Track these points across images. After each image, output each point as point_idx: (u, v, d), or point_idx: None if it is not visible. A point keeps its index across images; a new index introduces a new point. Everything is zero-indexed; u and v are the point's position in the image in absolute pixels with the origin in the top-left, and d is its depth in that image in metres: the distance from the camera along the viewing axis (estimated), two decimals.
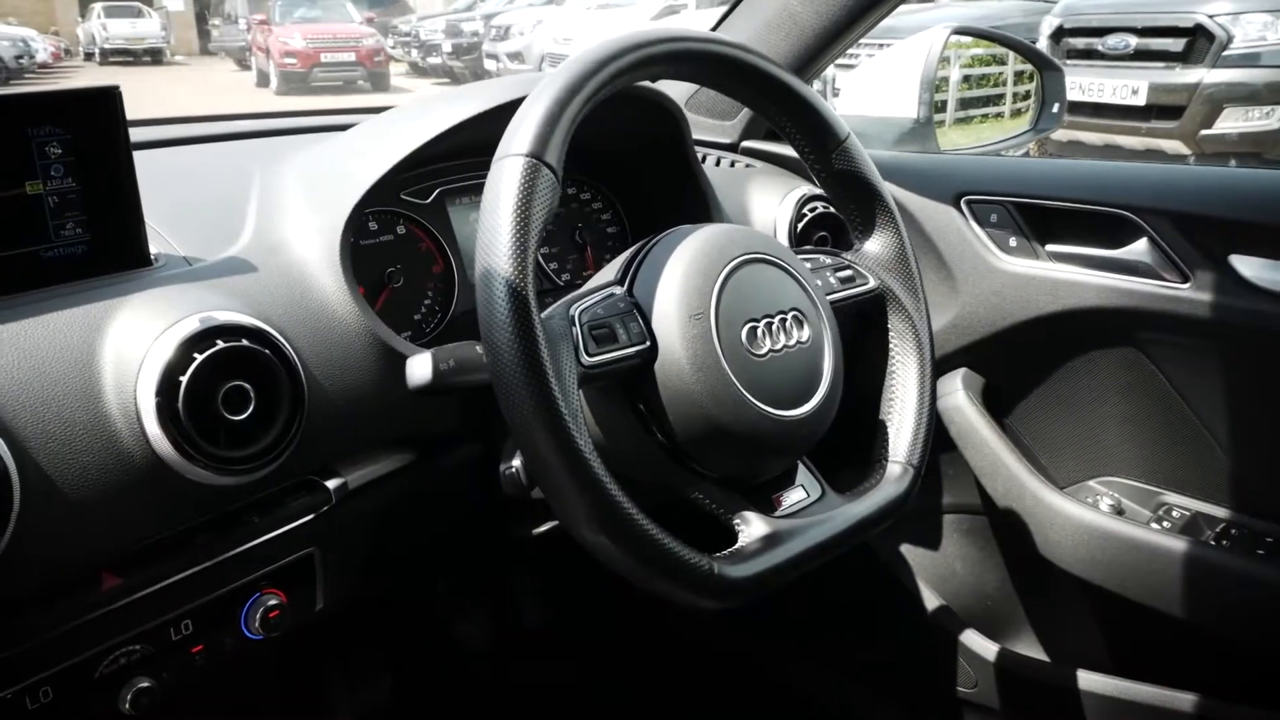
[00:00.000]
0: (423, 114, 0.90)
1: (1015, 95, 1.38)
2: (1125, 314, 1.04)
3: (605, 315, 0.74)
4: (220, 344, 0.69)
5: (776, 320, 0.79)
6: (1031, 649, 1.21)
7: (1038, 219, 1.10)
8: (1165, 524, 1.07)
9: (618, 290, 0.77)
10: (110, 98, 0.72)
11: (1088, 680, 1.12)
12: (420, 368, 0.74)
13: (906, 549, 1.30)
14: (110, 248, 0.74)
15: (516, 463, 0.82)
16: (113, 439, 0.66)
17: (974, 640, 1.21)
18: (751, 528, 0.76)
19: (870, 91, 1.31)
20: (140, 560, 0.70)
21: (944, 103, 1.31)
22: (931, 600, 1.25)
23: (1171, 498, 1.10)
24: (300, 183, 0.87)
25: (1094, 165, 1.10)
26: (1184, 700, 1.05)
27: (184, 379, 0.67)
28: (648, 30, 0.77)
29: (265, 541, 0.76)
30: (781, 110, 0.86)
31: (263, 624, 0.77)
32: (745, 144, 1.27)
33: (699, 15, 9.64)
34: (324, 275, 0.81)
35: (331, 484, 0.80)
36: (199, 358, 0.68)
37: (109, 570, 0.69)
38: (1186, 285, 1.00)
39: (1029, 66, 1.35)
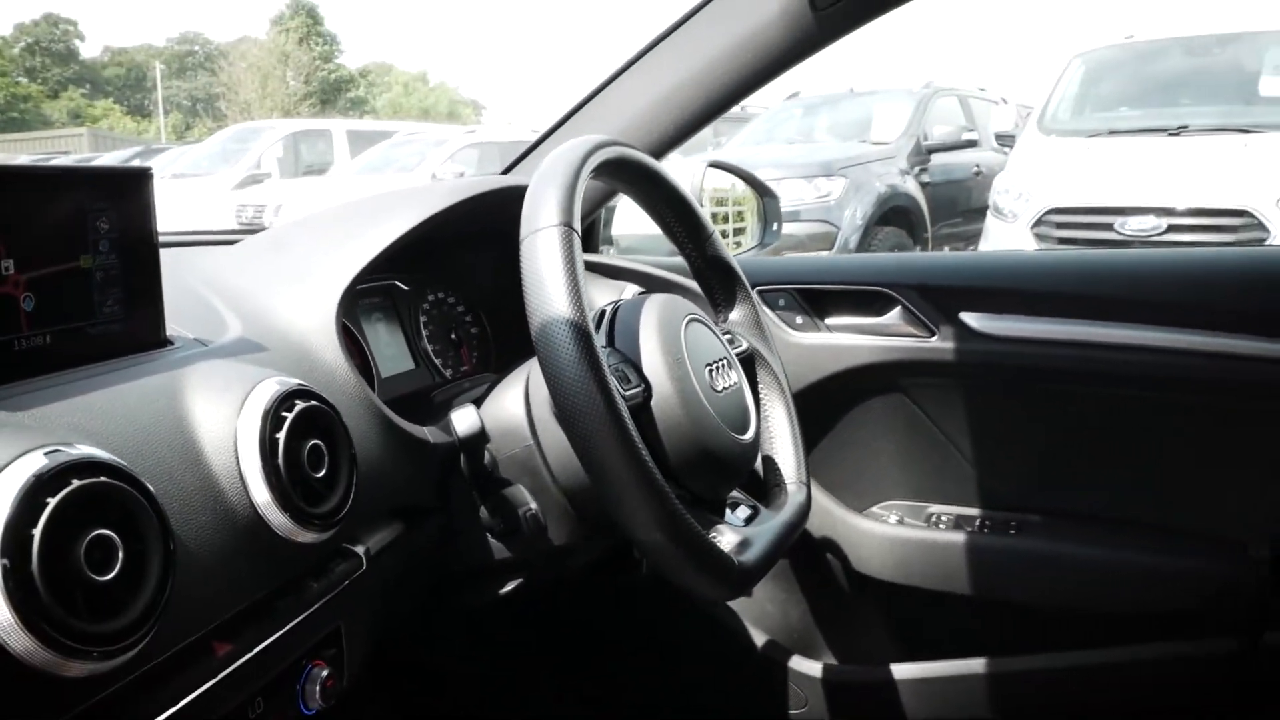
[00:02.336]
0: (384, 211, 0.98)
1: (747, 215, 1.70)
2: (890, 366, 1.35)
3: (615, 363, 0.87)
4: (300, 404, 0.72)
5: (719, 365, 0.96)
6: (854, 658, 1.43)
7: (816, 300, 1.39)
8: (940, 528, 1.37)
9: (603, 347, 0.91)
10: (148, 178, 0.73)
11: (903, 671, 1.36)
12: (470, 417, 0.82)
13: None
14: (139, 326, 0.73)
15: (534, 505, 0.90)
16: (221, 498, 0.66)
17: (800, 663, 1.41)
18: (725, 537, 0.91)
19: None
20: (235, 627, 0.68)
21: None
22: (759, 636, 1.44)
23: (935, 507, 1.40)
24: (280, 272, 0.90)
25: (856, 256, 1.43)
26: (977, 664, 1.33)
27: (281, 436, 0.69)
28: (599, 137, 0.94)
29: (321, 607, 0.76)
30: (670, 210, 1.07)
31: (322, 695, 0.76)
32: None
33: (285, 183, 9.67)
34: (325, 353, 0.84)
35: (359, 549, 0.82)
36: (289, 416, 0.70)
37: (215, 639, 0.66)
38: (933, 338, 1.32)
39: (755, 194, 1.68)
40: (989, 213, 5.64)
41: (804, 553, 1.42)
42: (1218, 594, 1.21)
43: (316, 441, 0.72)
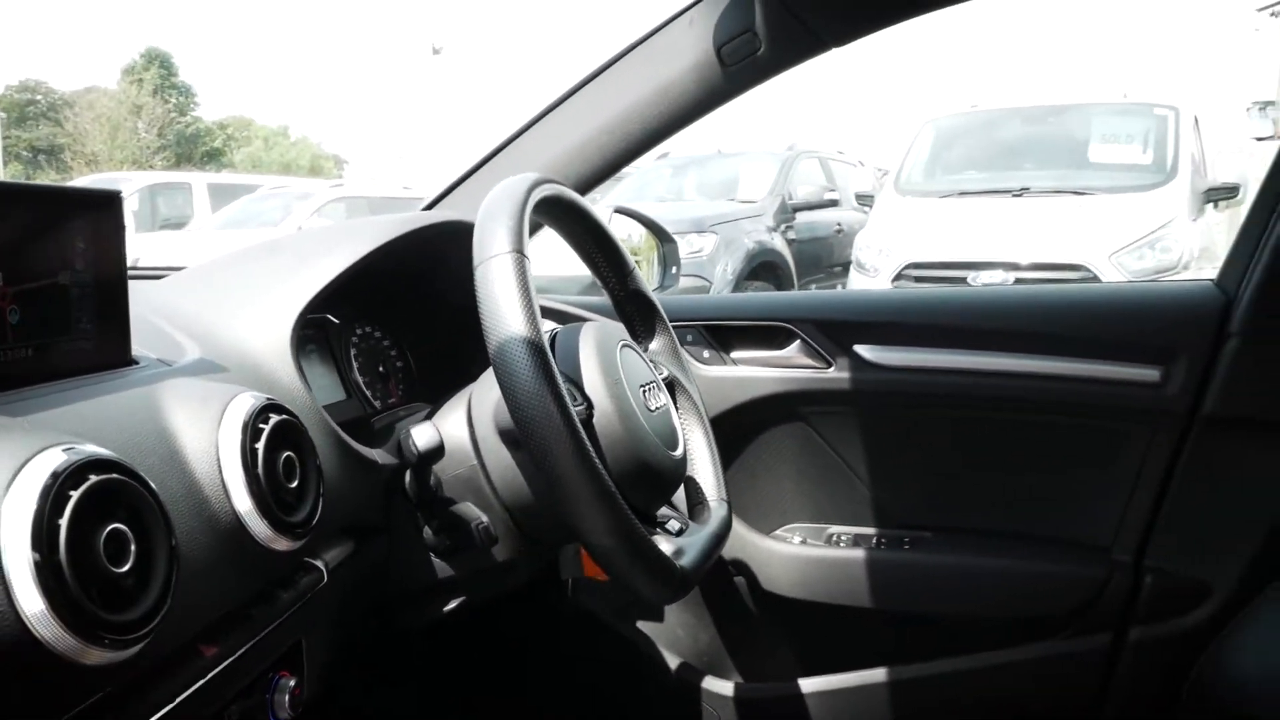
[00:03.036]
0: (333, 243, 1.01)
1: (644, 261, 1.79)
2: (791, 396, 1.44)
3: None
4: (274, 417, 0.75)
5: (650, 387, 1.03)
6: (763, 675, 1.50)
7: (721, 335, 1.47)
8: (840, 546, 1.46)
9: None
10: (119, 200, 0.76)
11: (810, 685, 1.44)
12: (430, 433, 0.86)
13: (643, 624, 1.53)
14: (108, 345, 0.75)
15: (485, 518, 0.94)
16: (205, 505, 0.68)
17: (712, 683, 1.48)
18: (663, 545, 0.97)
19: (555, 254, 1.61)
20: (219, 632, 0.70)
21: None
22: (672, 659, 1.50)
23: (835, 528, 1.49)
24: (232, 298, 0.93)
25: (757, 294, 1.53)
26: (879, 674, 1.42)
27: (260, 447, 0.72)
28: (536, 174, 1.00)
29: (290, 618, 0.78)
30: (596, 247, 1.14)
31: (290, 704, 0.77)
32: None
33: (141, 238, 9.29)
34: (281, 375, 0.87)
35: (319, 563, 0.84)
36: (265, 429, 0.73)
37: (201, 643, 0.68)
38: (830, 369, 1.43)
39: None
40: (852, 267, 5.96)
41: (714, 575, 1.49)
42: (1088, 595, 1.34)
43: (289, 453, 0.76)
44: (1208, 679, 1.05)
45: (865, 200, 7.14)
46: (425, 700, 1.44)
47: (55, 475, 0.53)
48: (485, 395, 1.01)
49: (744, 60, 1.23)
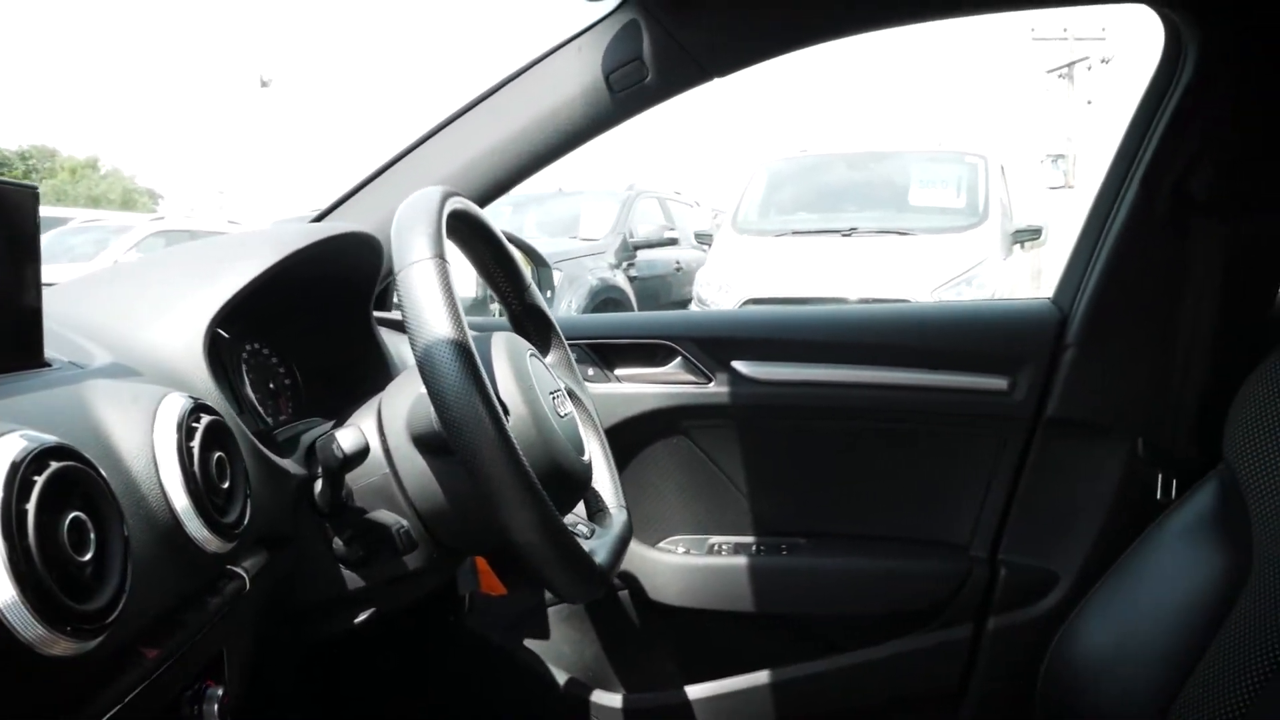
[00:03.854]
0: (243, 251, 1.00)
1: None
2: (673, 410, 1.50)
3: None
4: (205, 418, 0.74)
5: (557, 394, 1.06)
6: (651, 685, 1.53)
7: (605, 353, 1.52)
8: (722, 555, 1.51)
9: None
10: (33, 196, 0.73)
11: (696, 691, 1.48)
12: (356, 435, 0.86)
13: (531, 643, 1.53)
14: (22, 345, 0.72)
15: (405, 522, 0.94)
16: (143, 503, 0.67)
17: (601, 696, 1.50)
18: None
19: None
20: (158, 633, 0.68)
21: None
22: (560, 676, 1.51)
23: (716, 538, 1.55)
24: (140, 305, 0.90)
25: (640, 314, 1.57)
26: (762, 676, 1.47)
27: (195, 446, 0.71)
28: (444, 187, 1.02)
29: (218, 624, 0.76)
30: (497, 264, 1.17)
31: (220, 712, 0.75)
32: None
33: None
34: (196, 380, 0.85)
35: (240, 570, 0.82)
36: (198, 428, 0.72)
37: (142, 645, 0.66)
38: (710, 384, 1.49)
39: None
40: (693, 303, 6.14)
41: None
42: (950, 590, 1.44)
43: (220, 454, 0.74)
44: (1060, 660, 1.15)
45: (704, 239, 7.37)
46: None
47: (19, 460, 0.51)
48: (396, 402, 1.01)
49: (632, 87, 1.28)
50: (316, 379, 1.29)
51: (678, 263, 7.98)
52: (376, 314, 1.48)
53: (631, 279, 7.27)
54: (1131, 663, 1.05)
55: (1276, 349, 1.03)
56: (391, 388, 1.04)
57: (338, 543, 0.97)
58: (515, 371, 0.99)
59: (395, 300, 1.67)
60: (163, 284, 0.97)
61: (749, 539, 1.54)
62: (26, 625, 0.49)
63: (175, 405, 0.71)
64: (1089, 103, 15.40)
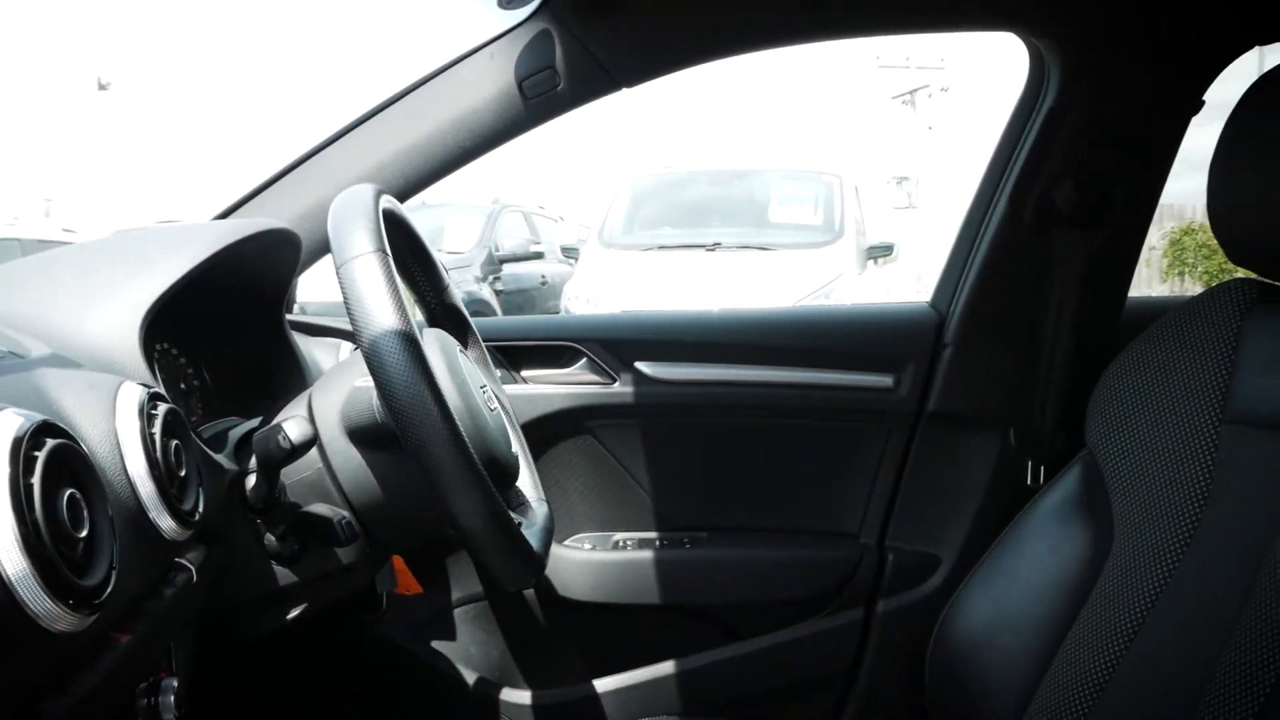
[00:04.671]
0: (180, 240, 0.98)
1: None
2: (579, 410, 1.54)
3: None
4: (162, 405, 0.74)
5: (486, 389, 1.09)
6: (559, 681, 1.56)
7: (512, 355, 1.54)
8: (627, 550, 1.56)
9: None
10: None
11: (604, 684, 1.52)
12: (302, 426, 0.87)
13: (437, 644, 1.54)
14: None
15: (347, 513, 0.95)
16: (112, 487, 0.66)
17: (510, 694, 1.52)
18: None
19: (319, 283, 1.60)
20: (125, 620, 0.67)
21: None
22: (469, 675, 1.52)
23: (620, 535, 1.59)
24: (73, 296, 0.87)
25: (545, 316, 1.61)
26: (667, 667, 1.53)
27: (156, 433, 0.71)
28: (375, 185, 1.03)
29: (169, 615, 0.75)
30: (417, 262, 1.19)
31: (176, 704, 0.75)
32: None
33: None
34: (134, 373, 0.84)
35: (185, 562, 0.81)
36: (158, 416, 0.72)
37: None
38: (615, 384, 1.54)
39: None
40: None
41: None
42: (842, 576, 1.53)
43: (177, 442, 0.74)
44: (945, 636, 1.24)
45: (570, 253, 7.42)
46: None
47: (20, 436, 0.51)
48: (328, 396, 1.01)
49: (544, 94, 1.32)
50: (227, 379, 1.27)
51: (543, 277, 8.01)
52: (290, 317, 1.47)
53: (498, 292, 7.26)
54: (1010, 633, 1.15)
55: (1129, 345, 1.15)
56: (322, 382, 1.05)
57: (270, 538, 0.97)
58: (449, 365, 1.01)
59: (298, 302, 1.66)
60: (90, 276, 0.95)
61: (652, 534, 1.59)
62: (36, 598, 0.49)
63: (134, 392, 0.71)
64: (930, 128, 16.32)
